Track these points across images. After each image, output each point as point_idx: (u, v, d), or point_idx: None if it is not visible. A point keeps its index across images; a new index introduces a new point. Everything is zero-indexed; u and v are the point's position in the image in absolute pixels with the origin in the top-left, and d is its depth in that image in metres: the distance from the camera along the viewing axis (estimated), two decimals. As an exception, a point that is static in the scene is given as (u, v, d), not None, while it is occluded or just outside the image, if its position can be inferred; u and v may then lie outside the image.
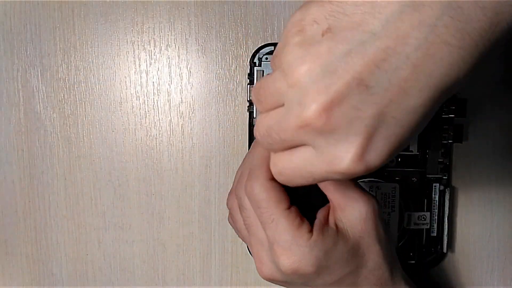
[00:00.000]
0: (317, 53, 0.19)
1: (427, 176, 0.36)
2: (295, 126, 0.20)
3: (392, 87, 0.19)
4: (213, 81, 0.38)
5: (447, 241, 0.37)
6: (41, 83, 0.39)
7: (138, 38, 0.38)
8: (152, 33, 0.38)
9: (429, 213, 0.36)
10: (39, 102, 0.39)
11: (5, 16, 0.38)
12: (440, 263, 0.38)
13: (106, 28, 0.38)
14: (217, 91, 0.38)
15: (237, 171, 0.30)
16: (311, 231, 0.26)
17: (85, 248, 0.40)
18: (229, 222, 0.31)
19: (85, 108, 0.39)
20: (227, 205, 0.30)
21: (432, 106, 0.19)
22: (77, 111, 0.39)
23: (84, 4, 0.38)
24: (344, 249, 0.26)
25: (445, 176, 0.37)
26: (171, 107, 0.38)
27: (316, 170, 0.22)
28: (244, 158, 0.29)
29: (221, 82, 0.37)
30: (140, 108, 0.38)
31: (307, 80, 0.19)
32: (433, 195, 0.37)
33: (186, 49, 0.38)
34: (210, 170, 0.38)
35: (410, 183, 0.36)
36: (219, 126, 0.38)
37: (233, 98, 0.38)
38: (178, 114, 0.38)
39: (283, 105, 0.21)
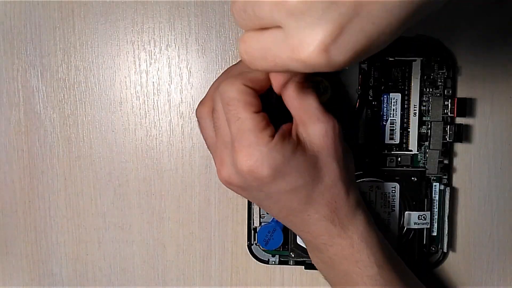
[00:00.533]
0: None
1: (427, 175, 0.36)
2: (271, 2, 0.20)
3: None
4: (213, 81, 0.37)
5: (448, 241, 0.37)
6: (41, 83, 0.39)
7: (138, 38, 0.38)
8: (152, 33, 0.38)
9: (429, 212, 0.36)
10: (39, 102, 0.39)
11: (5, 16, 0.38)
12: (442, 264, 0.38)
13: (106, 28, 0.38)
14: (217, 91, 0.38)
15: (212, 84, 0.31)
16: (273, 136, 0.27)
17: (85, 248, 0.40)
18: (202, 133, 0.32)
19: (85, 108, 0.39)
20: (196, 114, 0.31)
21: (407, 13, 0.19)
22: (77, 111, 0.39)
23: (84, 4, 0.38)
24: (301, 159, 0.27)
25: (445, 175, 0.37)
26: (171, 107, 0.38)
27: (280, 54, 0.21)
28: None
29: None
30: (140, 108, 0.38)
31: None
32: (433, 195, 0.37)
33: (186, 49, 0.38)
34: (210, 170, 0.38)
35: (410, 182, 0.36)
36: (219, 126, 0.38)
37: (233, 98, 0.38)
38: (178, 114, 0.38)
39: None
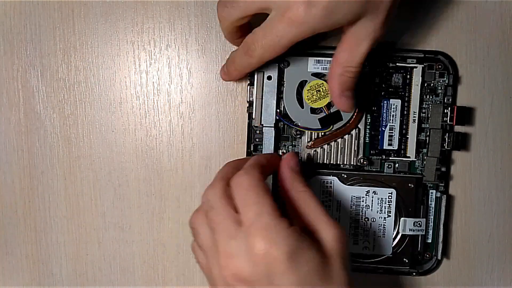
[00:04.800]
0: None
1: (424, 182, 0.36)
2: None
3: None
4: (213, 81, 0.38)
5: (442, 248, 0.37)
6: (41, 83, 0.39)
7: (138, 38, 0.38)
8: (152, 33, 0.38)
9: (425, 219, 0.36)
10: (39, 102, 0.39)
11: (5, 16, 0.38)
12: (435, 271, 0.38)
13: (106, 28, 0.38)
14: (217, 91, 0.38)
15: (205, 192, 0.30)
16: (291, 224, 0.27)
17: (85, 248, 0.40)
18: (192, 248, 0.32)
19: (85, 108, 0.39)
20: (191, 224, 0.31)
21: None
22: (77, 111, 0.39)
23: (84, 4, 0.38)
24: (316, 255, 0.27)
25: (442, 183, 0.36)
26: (171, 107, 0.38)
27: (280, 30, 0.29)
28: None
29: (221, 82, 0.37)
30: (140, 108, 0.38)
31: None
32: (429, 202, 0.37)
33: (186, 49, 0.38)
34: (210, 170, 0.38)
35: (407, 189, 0.36)
36: (219, 126, 0.38)
37: (233, 98, 0.38)
38: (178, 114, 0.38)
39: None
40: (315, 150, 0.36)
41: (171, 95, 0.38)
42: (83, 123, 0.39)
